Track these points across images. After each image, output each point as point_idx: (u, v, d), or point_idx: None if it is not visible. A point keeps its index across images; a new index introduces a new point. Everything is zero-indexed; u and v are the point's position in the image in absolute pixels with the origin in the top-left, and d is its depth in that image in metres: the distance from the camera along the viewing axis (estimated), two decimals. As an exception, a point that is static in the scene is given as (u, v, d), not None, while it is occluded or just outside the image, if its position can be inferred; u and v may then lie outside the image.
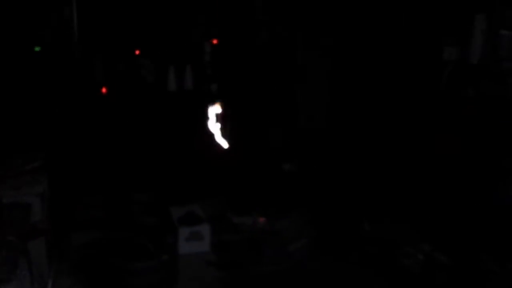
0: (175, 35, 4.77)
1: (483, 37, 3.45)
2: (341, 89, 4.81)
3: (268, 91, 4.88)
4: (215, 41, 4.84)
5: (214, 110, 4.58)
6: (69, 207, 4.03)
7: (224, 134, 4.78)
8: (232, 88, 4.90)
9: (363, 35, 4.50)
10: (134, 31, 4.67)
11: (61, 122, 4.47)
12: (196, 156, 4.72)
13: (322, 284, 3.33)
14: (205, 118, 4.81)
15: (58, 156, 4.05)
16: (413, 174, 4.07)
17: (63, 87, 4.48)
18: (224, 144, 4.77)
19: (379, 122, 4.44)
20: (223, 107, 4.78)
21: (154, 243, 3.25)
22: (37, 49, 4.42)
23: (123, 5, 4.60)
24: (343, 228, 3.95)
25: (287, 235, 3.94)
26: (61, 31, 4.46)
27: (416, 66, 4.03)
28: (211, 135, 4.82)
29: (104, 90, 4.66)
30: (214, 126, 4.79)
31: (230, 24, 4.83)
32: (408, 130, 4.16)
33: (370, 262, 3.55)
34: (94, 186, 4.40)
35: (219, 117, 4.77)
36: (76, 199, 4.22)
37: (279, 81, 4.86)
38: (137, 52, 4.73)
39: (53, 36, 4.46)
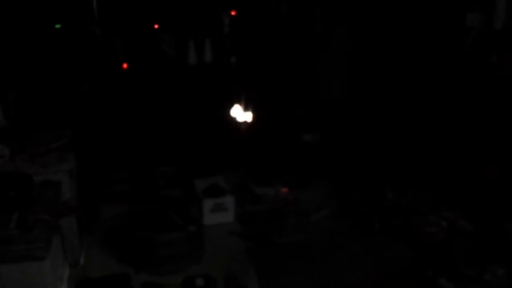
0: (194, 7, 4.74)
1: (507, 1, 3.36)
2: (361, 57, 4.76)
3: (288, 62, 4.84)
4: (233, 13, 4.80)
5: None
6: (96, 182, 4.11)
7: (246, 106, 4.77)
8: (252, 60, 4.88)
9: (384, 2, 4.42)
10: (152, 5, 4.65)
11: (85, 99, 4.52)
12: (218, 129, 4.75)
13: (344, 253, 3.36)
14: (226, 90, 4.82)
15: (84, 133, 4.11)
16: (435, 142, 4.05)
17: (85, 64, 4.52)
18: (247, 116, 4.74)
19: (400, 90, 4.40)
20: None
21: (180, 215, 3.30)
22: (57, 26, 4.44)
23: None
24: (366, 198, 3.98)
25: (309, 205, 3.98)
26: (81, 7, 4.47)
27: (438, 32, 3.95)
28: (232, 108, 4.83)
29: (125, 65, 4.68)
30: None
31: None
32: (430, 99, 4.12)
33: (393, 231, 3.57)
34: (119, 161, 4.47)
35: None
36: (103, 174, 4.30)
37: (299, 52, 4.82)
38: (156, 26, 4.72)
39: (73, 13, 4.47)
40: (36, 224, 2.46)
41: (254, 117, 4.66)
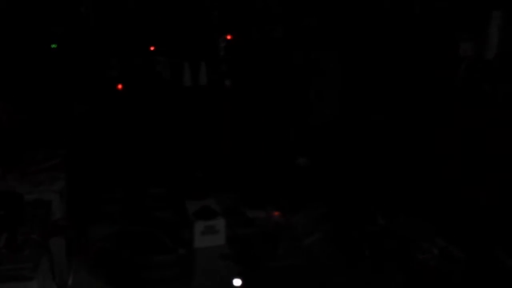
0: (190, 31, 4.79)
1: (500, 33, 3.42)
2: (354, 82, 4.81)
3: (282, 86, 4.88)
4: (229, 37, 4.86)
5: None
6: (86, 202, 4.08)
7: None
8: (246, 83, 4.92)
9: (376, 29, 4.49)
10: (148, 28, 4.70)
11: (79, 119, 4.52)
12: (211, 151, 4.75)
13: (336, 278, 3.34)
14: (220, 113, 4.84)
15: (76, 152, 4.10)
16: (427, 168, 4.07)
17: (80, 84, 4.53)
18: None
19: (393, 116, 4.44)
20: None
21: (171, 237, 3.28)
22: (53, 46, 4.47)
23: (138, 2, 4.63)
24: (358, 223, 3.97)
25: (301, 229, 3.97)
26: (78, 28, 4.51)
27: (431, 61, 4.01)
28: (226, 130, 4.85)
29: (120, 86, 4.70)
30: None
31: (245, 19, 4.83)
32: (423, 125, 4.15)
33: (384, 256, 3.56)
34: (110, 181, 4.45)
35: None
36: (93, 194, 4.27)
37: (293, 75, 4.87)
38: (152, 48, 4.76)
39: (69, 33, 4.50)
40: (25, 244, 2.43)
41: (246, 139, 4.67)
